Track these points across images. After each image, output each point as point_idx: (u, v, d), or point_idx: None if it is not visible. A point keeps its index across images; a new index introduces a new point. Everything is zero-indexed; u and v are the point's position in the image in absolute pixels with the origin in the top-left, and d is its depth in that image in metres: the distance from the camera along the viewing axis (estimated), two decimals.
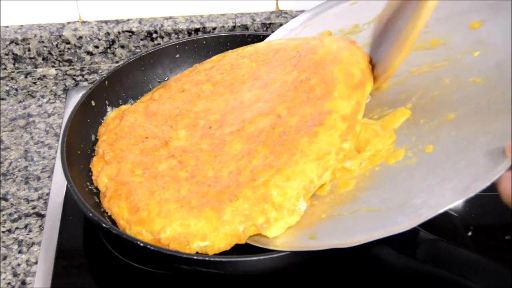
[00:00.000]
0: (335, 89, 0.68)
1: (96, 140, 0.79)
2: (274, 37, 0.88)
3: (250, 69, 0.81)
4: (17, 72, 1.04)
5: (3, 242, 0.74)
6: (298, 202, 0.63)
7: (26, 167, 0.85)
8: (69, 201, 0.77)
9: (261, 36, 0.91)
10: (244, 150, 0.69)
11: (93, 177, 0.74)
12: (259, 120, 0.71)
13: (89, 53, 1.05)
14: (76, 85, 1.02)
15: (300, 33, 0.86)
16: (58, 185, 0.81)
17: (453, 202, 0.53)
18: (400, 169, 0.60)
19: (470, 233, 0.73)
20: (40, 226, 0.76)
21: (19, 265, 0.71)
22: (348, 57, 0.71)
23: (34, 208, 0.79)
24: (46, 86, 1.01)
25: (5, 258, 0.72)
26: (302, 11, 1.07)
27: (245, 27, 1.06)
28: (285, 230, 0.63)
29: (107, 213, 0.70)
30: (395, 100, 0.67)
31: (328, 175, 0.64)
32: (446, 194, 0.54)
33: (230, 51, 0.87)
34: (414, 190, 0.57)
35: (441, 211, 0.53)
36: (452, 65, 0.66)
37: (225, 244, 0.63)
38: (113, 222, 0.69)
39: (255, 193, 0.63)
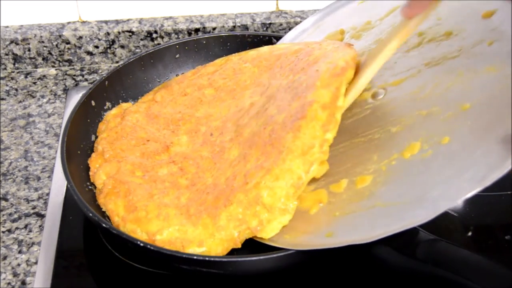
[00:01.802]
0: (318, 79, 0.68)
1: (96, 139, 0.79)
2: (287, 38, 0.89)
3: (252, 74, 0.81)
4: (17, 72, 1.04)
5: (3, 242, 0.74)
6: (288, 200, 0.63)
7: (26, 167, 0.85)
8: (69, 201, 0.77)
9: (261, 36, 0.91)
10: (240, 155, 0.69)
11: (90, 173, 0.74)
12: (254, 123, 0.71)
13: (89, 53, 1.05)
14: (76, 85, 1.02)
15: (313, 33, 0.87)
16: (58, 185, 0.81)
17: (471, 192, 0.53)
18: (416, 162, 0.60)
19: (470, 233, 0.72)
20: (40, 226, 0.76)
21: (19, 265, 0.71)
22: (337, 53, 0.71)
23: (34, 208, 0.79)
24: (46, 86, 1.01)
25: (5, 258, 0.72)
26: (302, 11, 1.08)
27: (245, 27, 1.06)
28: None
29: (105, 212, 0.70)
30: (409, 93, 0.67)
31: (315, 169, 0.64)
32: (463, 185, 0.54)
33: (233, 54, 0.87)
34: (431, 182, 0.57)
35: (459, 201, 0.53)
36: (465, 56, 0.65)
37: (221, 249, 0.63)
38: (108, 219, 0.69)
39: (247, 196, 0.64)
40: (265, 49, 0.84)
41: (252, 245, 0.64)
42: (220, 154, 0.72)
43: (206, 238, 0.63)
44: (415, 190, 0.58)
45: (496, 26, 0.65)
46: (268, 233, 0.63)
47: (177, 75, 0.90)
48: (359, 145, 0.66)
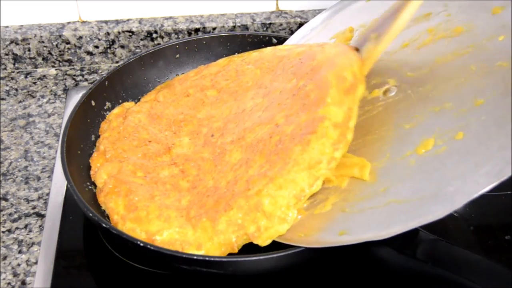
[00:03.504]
0: (328, 94, 0.68)
1: (96, 140, 0.79)
2: (295, 37, 0.89)
3: (254, 76, 0.80)
4: (17, 72, 1.04)
5: (3, 242, 0.74)
6: (288, 210, 0.63)
7: (26, 167, 0.85)
8: (69, 201, 0.77)
9: (261, 36, 0.91)
10: (243, 160, 0.69)
11: (91, 172, 0.74)
12: (259, 130, 0.71)
13: (89, 53, 1.05)
14: (76, 85, 1.02)
15: (321, 32, 0.86)
16: (58, 185, 0.81)
17: (487, 186, 0.53)
18: (431, 158, 0.60)
19: (470, 233, 0.72)
20: (40, 226, 0.76)
21: (19, 265, 0.71)
22: (342, 61, 0.71)
23: (34, 208, 0.79)
24: (46, 86, 1.01)
25: (5, 258, 0.72)
26: (302, 11, 1.08)
27: (245, 27, 1.06)
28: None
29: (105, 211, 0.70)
30: (422, 90, 0.67)
31: (319, 184, 0.64)
32: (480, 180, 0.53)
33: (236, 55, 0.87)
34: (447, 178, 0.56)
35: (476, 196, 0.53)
36: (477, 52, 0.65)
37: (219, 253, 0.63)
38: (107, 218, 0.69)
39: (248, 203, 0.64)
40: (268, 50, 0.84)
41: (254, 246, 0.64)
42: (221, 156, 0.72)
43: (205, 242, 0.64)
44: (430, 186, 0.57)
45: (506, 22, 0.65)
46: (264, 240, 0.63)
47: (177, 75, 0.90)
48: (372, 143, 0.66)
